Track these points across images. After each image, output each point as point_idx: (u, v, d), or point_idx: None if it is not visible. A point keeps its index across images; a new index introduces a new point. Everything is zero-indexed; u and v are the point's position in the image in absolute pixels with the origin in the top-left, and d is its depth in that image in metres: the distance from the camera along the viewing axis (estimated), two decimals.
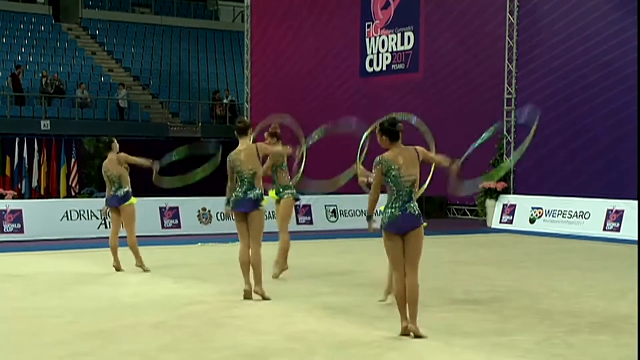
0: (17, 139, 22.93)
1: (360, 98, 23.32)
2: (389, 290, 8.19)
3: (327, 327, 7.34)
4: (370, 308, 8.30)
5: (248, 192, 8.57)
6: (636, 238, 13.80)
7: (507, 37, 19.58)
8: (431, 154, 7.23)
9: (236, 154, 8.65)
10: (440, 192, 21.34)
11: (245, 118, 9.25)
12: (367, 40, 23.43)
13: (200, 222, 16.48)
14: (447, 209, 21.61)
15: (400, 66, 22.58)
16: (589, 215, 16.94)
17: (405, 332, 6.89)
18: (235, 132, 8.81)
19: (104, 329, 7.24)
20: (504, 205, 18.60)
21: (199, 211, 16.53)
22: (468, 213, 21.00)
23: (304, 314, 7.97)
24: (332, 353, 6.40)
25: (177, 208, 16.28)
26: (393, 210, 6.78)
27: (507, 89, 19.62)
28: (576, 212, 17.21)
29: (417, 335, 6.85)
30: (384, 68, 23.01)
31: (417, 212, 6.82)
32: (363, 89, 23.45)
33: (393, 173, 6.77)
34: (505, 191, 18.94)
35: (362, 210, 17.25)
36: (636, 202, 15.08)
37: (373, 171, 6.94)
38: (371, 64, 23.35)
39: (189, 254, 13.25)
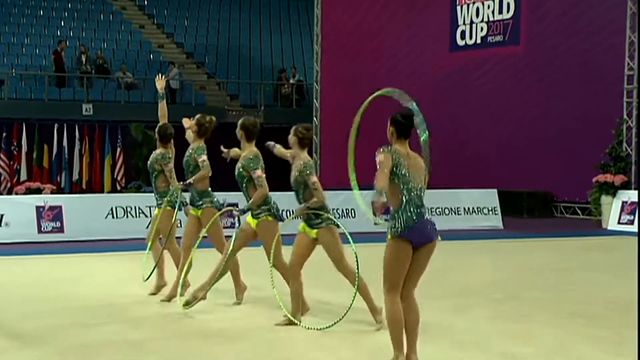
0: (56, 126, 23.45)
1: (450, 76, 23.18)
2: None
3: None
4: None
5: None
6: None
7: (629, 2, 19.15)
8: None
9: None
10: (545, 187, 21.32)
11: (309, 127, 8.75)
12: (458, 8, 23.25)
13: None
14: (554, 207, 21.32)
15: (498, 38, 22.35)
16: None
17: None
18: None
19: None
20: (623, 202, 18.22)
21: None
22: (579, 212, 20.67)
23: None
24: None
25: None
26: (410, 214, 6.26)
27: (629, 63, 19.20)
28: None
29: None
30: (479, 41, 22.81)
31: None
32: (453, 66, 23.29)
33: (403, 171, 6.33)
34: (625, 186, 18.53)
35: None
36: None
37: (379, 156, 6.32)
38: (463, 37, 23.17)
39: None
